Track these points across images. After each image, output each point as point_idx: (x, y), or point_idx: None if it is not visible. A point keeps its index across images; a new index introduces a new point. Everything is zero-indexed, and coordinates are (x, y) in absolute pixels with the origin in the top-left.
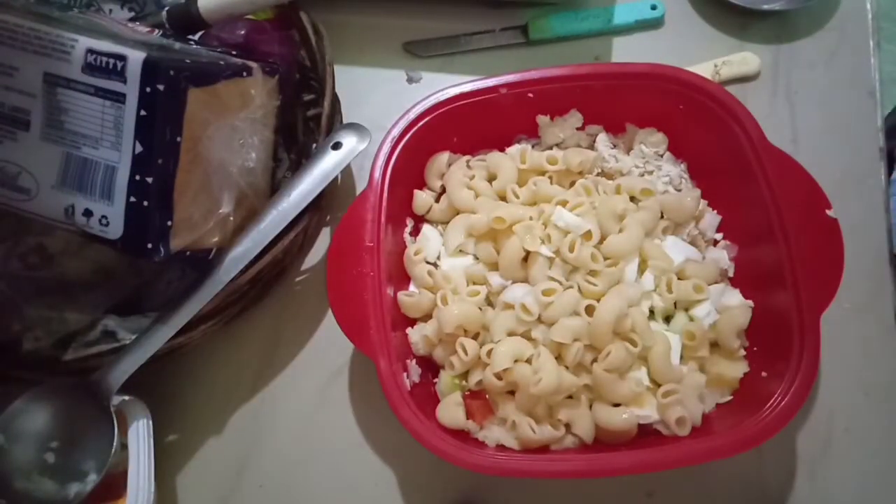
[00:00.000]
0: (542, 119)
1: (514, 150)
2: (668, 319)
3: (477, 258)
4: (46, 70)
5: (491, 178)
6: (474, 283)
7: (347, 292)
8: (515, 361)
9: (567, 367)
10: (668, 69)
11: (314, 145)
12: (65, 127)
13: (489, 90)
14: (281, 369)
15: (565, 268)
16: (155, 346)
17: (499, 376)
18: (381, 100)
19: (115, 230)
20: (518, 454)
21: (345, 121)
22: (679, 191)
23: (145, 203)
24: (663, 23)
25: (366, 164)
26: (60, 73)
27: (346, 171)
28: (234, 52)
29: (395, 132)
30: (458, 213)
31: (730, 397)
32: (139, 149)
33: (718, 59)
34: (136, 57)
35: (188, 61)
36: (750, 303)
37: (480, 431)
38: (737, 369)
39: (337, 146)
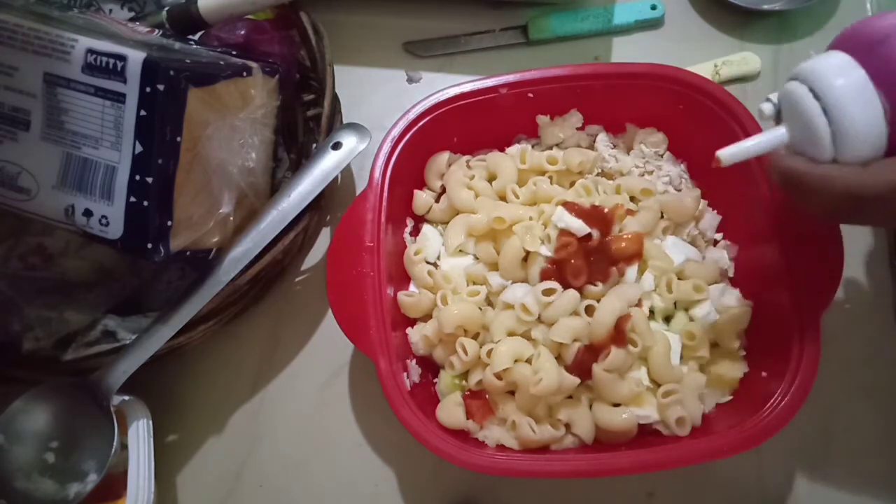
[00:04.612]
0: (542, 119)
1: (514, 150)
2: (668, 319)
3: (477, 258)
4: (46, 70)
5: (491, 178)
6: (474, 283)
7: (347, 292)
8: (515, 361)
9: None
10: (668, 69)
11: (314, 145)
12: (65, 127)
13: (489, 90)
14: (281, 369)
15: None
16: (155, 346)
17: (499, 376)
18: (381, 100)
19: (115, 230)
20: (518, 454)
21: (345, 121)
22: (679, 191)
23: (145, 203)
24: (663, 23)
25: (366, 164)
26: (60, 73)
27: (346, 171)
28: (234, 52)
29: (395, 132)
30: (458, 213)
31: (730, 397)
32: (139, 149)
33: (718, 59)
34: (136, 57)
35: (188, 61)
36: (750, 303)
37: (480, 431)
38: (737, 369)
39: (337, 146)
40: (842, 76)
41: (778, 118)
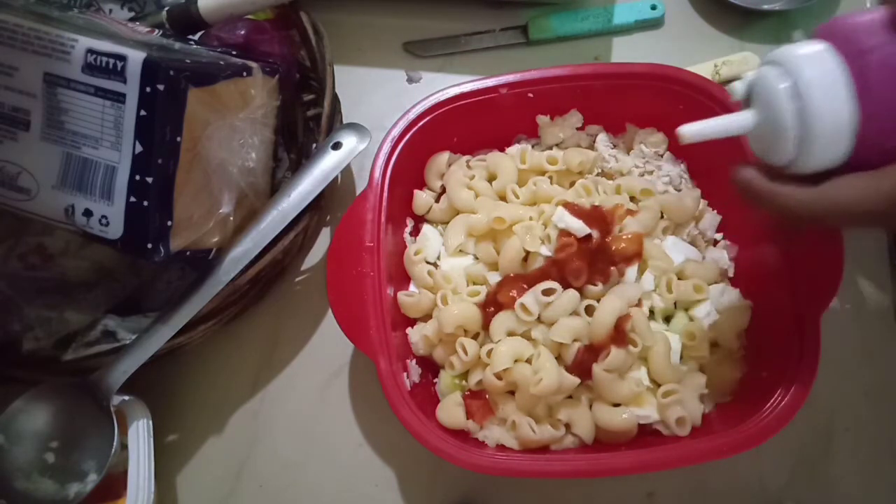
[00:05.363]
0: (542, 119)
1: (514, 150)
2: (668, 319)
3: (477, 258)
4: (46, 70)
5: (491, 178)
6: (474, 283)
7: (347, 292)
8: (515, 361)
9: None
10: (668, 69)
11: (314, 145)
12: (65, 127)
13: (489, 90)
14: (281, 369)
15: None
16: (155, 346)
17: (499, 376)
18: (381, 100)
19: (115, 230)
20: (518, 454)
21: (345, 121)
22: (679, 191)
23: (145, 203)
24: (663, 23)
25: (366, 164)
26: (60, 73)
27: (346, 171)
28: (234, 52)
29: (395, 132)
30: (458, 213)
31: (730, 397)
32: (139, 149)
33: (718, 59)
34: (136, 57)
35: (188, 61)
36: (750, 303)
37: (480, 431)
38: (737, 369)
39: (337, 146)
40: (818, 67)
41: (748, 102)
